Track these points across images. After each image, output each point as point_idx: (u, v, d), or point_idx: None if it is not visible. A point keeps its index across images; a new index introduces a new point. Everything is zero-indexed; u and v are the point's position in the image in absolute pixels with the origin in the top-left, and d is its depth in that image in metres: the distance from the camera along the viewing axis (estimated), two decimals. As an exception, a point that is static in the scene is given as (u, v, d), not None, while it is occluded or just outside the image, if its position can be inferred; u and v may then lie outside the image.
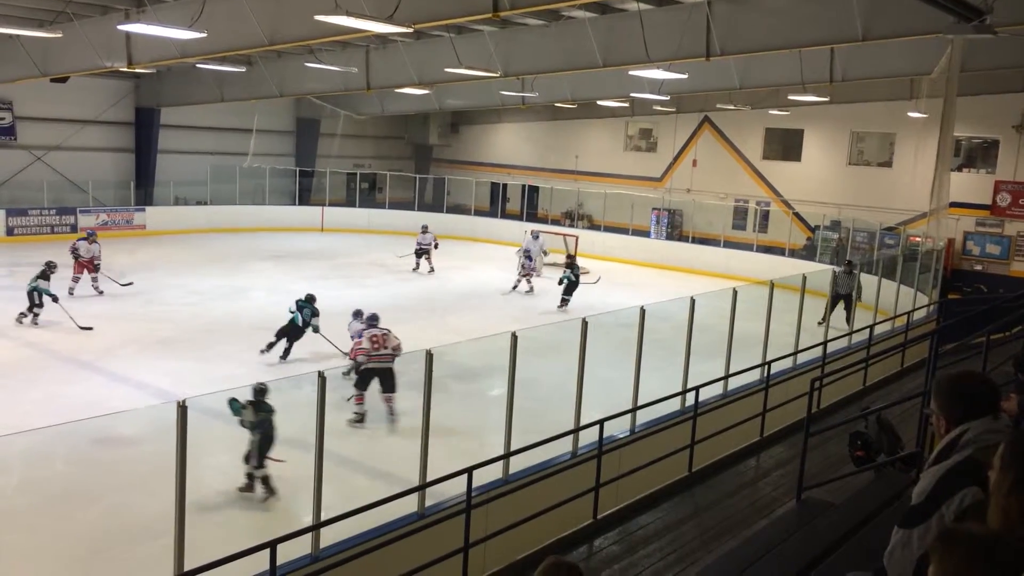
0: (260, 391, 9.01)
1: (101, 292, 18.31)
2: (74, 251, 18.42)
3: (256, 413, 8.83)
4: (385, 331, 11.46)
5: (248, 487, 8.91)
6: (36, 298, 15.38)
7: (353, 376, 11.52)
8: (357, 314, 12.89)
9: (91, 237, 18.82)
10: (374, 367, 11.18)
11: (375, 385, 11.24)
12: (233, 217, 29.17)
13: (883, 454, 7.13)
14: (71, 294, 17.53)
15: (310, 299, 14.42)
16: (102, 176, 27.72)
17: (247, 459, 8.87)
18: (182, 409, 5.50)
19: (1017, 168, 24.23)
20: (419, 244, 23.55)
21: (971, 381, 3.09)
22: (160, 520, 6.50)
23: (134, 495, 8.84)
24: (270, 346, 13.95)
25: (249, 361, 13.74)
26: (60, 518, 8.35)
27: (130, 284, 19.07)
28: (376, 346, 11.19)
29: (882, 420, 7.30)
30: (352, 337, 12.20)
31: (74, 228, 25.78)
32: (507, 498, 7.18)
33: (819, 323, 14.42)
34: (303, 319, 14.12)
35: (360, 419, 11.09)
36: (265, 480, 8.92)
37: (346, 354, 12.10)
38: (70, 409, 10.60)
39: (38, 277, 15.55)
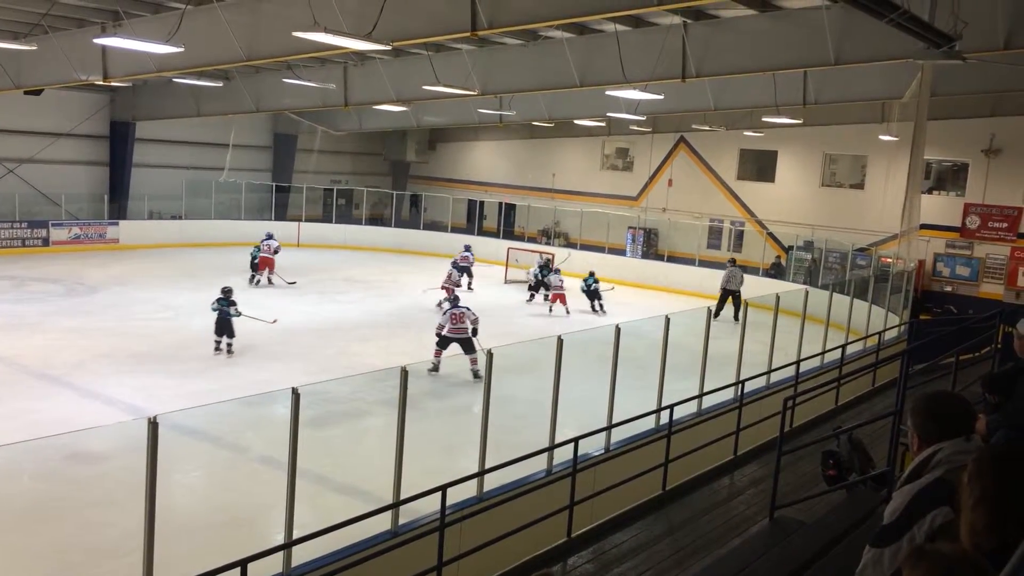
0: (224, 290, 15.40)
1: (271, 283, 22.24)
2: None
3: (218, 304, 15.06)
4: (463, 310, 14.85)
5: (216, 349, 15.05)
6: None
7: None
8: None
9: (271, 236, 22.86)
10: (452, 336, 14.60)
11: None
12: (208, 232, 28.96)
13: (855, 473, 7.18)
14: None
15: None
16: (76, 189, 27.44)
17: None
18: (153, 425, 5.44)
19: (986, 191, 24.67)
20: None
21: (945, 401, 3.12)
22: (129, 537, 6.41)
23: (103, 512, 8.71)
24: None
25: (221, 377, 13.62)
26: (27, 535, 8.20)
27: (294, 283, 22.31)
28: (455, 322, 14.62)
29: (854, 439, 7.35)
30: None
31: (46, 242, 25.51)
32: (481, 516, 7.16)
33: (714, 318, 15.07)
34: None
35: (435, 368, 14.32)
36: (229, 347, 15.06)
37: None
38: (39, 425, 10.45)
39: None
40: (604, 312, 21.54)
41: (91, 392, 12.70)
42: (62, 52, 16.91)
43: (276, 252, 22.36)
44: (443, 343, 14.63)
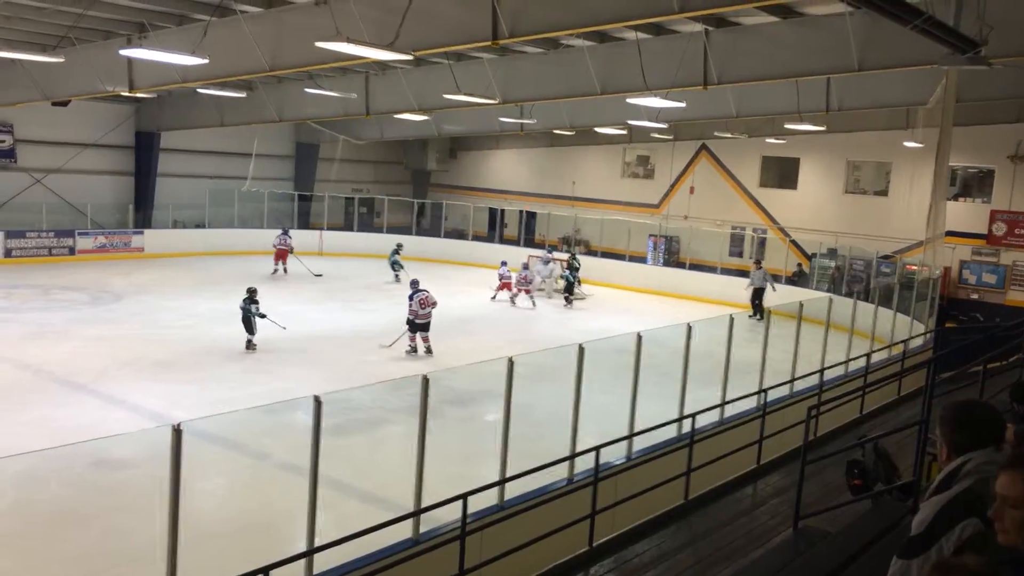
0: (249, 291, 16.37)
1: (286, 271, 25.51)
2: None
3: (243, 303, 16.19)
4: (427, 292, 16.77)
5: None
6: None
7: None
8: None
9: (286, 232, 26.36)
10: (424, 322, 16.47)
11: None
12: (231, 240, 29.20)
13: (880, 483, 7.09)
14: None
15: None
16: (101, 199, 27.76)
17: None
18: (176, 433, 5.47)
19: (1012, 198, 24.36)
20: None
21: (975, 410, 3.08)
22: (153, 544, 6.44)
23: (127, 519, 8.77)
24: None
25: (243, 384, 13.70)
26: (52, 541, 8.27)
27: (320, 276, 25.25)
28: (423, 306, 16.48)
29: (879, 449, 7.26)
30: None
31: (72, 251, 25.83)
32: (502, 525, 7.13)
33: (749, 317, 18.57)
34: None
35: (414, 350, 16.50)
36: (248, 343, 16.02)
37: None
38: (64, 431, 10.54)
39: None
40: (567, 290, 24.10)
41: (115, 399, 12.82)
42: (89, 64, 17.14)
43: (288, 245, 25.79)
44: (414, 328, 16.54)
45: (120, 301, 20.30)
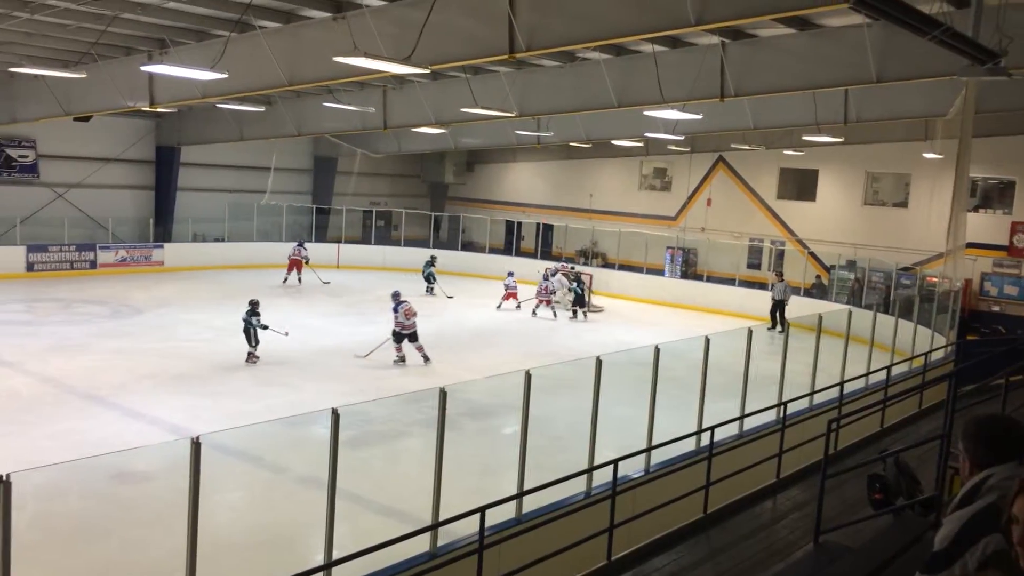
0: (251, 303, 16.42)
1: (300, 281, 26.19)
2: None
3: (245, 315, 16.25)
4: (409, 303, 16.91)
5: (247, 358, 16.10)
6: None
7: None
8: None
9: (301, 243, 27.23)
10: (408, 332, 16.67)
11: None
12: (250, 254, 29.41)
13: (902, 497, 7.02)
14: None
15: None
16: (122, 213, 28.07)
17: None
18: (195, 446, 5.50)
19: (1034, 209, 24.14)
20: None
21: (998, 424, 3.04)
22: (172, 557, 6.47)
23: (146, 531, 8.82)
24: None
25: (261, 397, 13.76)
26: (72, 554, 8.32)
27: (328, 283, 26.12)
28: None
29: (900, 463, 7.19)
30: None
31: (93, 264, 26.09)
32: (520, 538, 7.11)
33: (768, 329, 18.95)
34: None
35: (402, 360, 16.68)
36: (249, 355, 16.06)
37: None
38: (85, 444, 10.63)
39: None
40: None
41: (135, 412, 12.90)
42: (110, 80, 17.35)
43: (303, 256, 26.55)
44: (399, 338, 16.65)
45: (140, 314, 20.47)
